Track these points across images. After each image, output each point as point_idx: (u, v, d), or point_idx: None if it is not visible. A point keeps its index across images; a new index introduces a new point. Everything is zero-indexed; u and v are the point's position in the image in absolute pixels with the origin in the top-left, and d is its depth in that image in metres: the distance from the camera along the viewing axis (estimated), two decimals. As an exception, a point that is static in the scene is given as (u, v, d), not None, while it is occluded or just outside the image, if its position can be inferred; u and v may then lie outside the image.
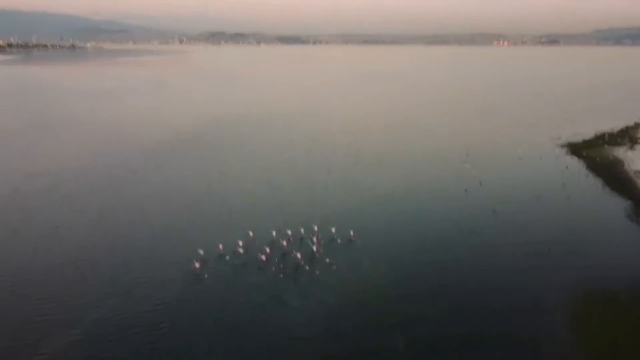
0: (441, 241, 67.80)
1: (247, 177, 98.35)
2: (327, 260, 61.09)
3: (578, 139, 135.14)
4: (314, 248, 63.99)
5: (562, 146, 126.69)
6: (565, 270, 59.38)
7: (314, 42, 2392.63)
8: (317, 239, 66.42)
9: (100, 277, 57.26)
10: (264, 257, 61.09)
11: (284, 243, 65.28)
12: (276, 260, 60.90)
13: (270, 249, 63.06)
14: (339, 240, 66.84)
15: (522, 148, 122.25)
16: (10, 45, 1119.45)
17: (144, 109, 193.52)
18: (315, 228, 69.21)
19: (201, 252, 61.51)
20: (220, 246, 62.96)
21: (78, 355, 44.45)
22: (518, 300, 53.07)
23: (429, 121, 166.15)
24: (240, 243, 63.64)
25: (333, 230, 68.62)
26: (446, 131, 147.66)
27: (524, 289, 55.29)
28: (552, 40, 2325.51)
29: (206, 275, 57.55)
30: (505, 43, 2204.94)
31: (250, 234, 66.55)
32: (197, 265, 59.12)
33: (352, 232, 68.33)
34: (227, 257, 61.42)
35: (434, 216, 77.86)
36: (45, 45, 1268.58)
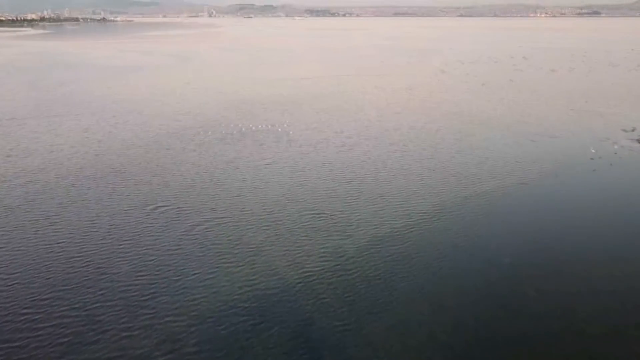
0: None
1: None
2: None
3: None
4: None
5: (638, 140, 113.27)
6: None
7: (344, 15, 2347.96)
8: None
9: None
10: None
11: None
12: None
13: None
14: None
15: (593, 145, 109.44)
16: (42, 19, 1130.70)
17: (186, 87, 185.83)
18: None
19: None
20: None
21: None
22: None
23: (476, 107, 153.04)
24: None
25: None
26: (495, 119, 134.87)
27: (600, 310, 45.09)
28: (593, 11, 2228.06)
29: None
30: (543, 15, 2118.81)
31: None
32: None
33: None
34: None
35: (493, 220, 67.45)
36: (77, 19, 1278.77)
